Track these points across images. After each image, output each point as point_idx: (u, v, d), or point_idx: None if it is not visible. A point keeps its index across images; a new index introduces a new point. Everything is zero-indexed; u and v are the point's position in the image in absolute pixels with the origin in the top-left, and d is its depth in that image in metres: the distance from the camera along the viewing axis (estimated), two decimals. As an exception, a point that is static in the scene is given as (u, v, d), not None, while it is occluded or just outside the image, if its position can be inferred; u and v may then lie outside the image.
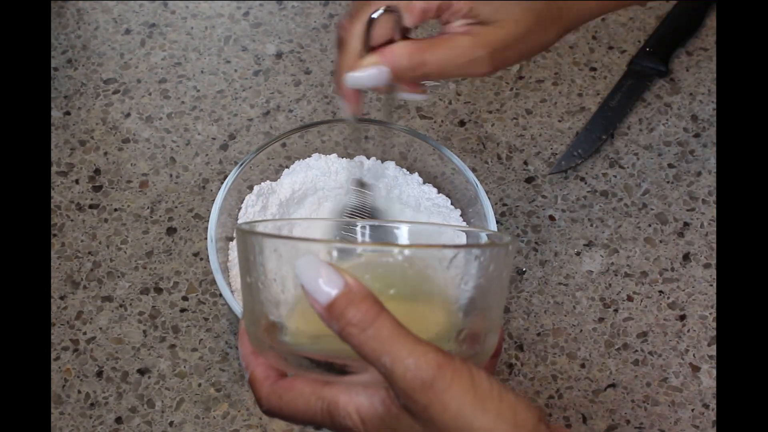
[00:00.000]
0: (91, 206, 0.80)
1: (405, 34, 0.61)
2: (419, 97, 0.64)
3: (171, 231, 0.79)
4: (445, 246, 0.49)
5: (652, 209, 0.80)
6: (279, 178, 0.76)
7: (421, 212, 0.76)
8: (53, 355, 0.72)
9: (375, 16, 0.59)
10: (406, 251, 0.47)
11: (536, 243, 0.78)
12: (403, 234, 0.58)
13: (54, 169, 0.82)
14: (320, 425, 0.49)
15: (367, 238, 0.62)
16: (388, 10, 0.59)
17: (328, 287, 0.45)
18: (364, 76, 0.60)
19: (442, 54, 0.60)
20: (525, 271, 0.77)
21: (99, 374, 0.72)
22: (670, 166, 0.82)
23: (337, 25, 0.64)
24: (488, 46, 0.60)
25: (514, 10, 0.60)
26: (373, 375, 0.46)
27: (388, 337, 0.44)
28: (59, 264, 0.77)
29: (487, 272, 0.48)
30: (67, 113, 0.85)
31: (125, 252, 0.78)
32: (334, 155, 0.77)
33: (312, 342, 0.49)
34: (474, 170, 0.81)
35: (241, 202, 0.74)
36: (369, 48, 0.60)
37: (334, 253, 0.47)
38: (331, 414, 0.48)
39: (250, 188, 0.75)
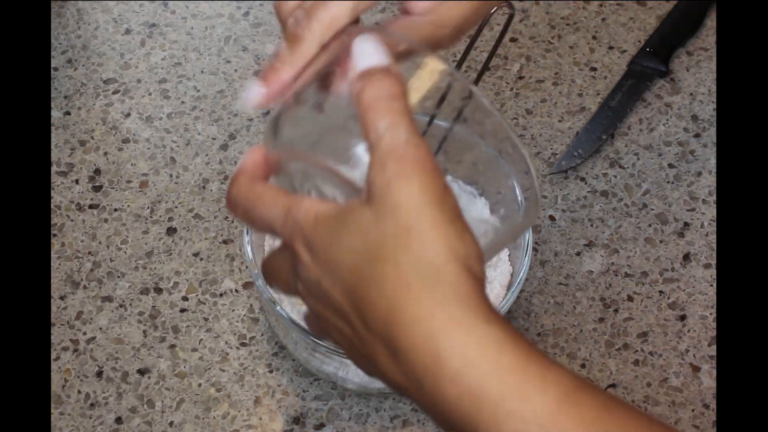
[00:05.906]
0: (91, 206, 0.80)
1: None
2: None
3: (171, 231, 0.79)
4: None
5: (652, 209, 0.80)
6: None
7: None
8: (53, 355, 0.72)
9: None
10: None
11: (536, 243, 0.78)
12: None
13: (54, 169, 0.82)
14: (271, 224, 0.48)
15: None
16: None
17: (374, 57, 0.46)
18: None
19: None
20: (525, 271, 0.77)
21: (99, 374, 0.72)
22: (671, 166, 0.82)
23: (276, 6, 0.54)
24: None
25: None
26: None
27: (400, 112, 0.45)
28: (59, 264, 0.77)
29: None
30: (67, 113, 0.85)
31: (125, 252, 0.78)
32: None
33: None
34: (474, 170, 0.81)
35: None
36: None
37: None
38: (290, 208, 0.47)
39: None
